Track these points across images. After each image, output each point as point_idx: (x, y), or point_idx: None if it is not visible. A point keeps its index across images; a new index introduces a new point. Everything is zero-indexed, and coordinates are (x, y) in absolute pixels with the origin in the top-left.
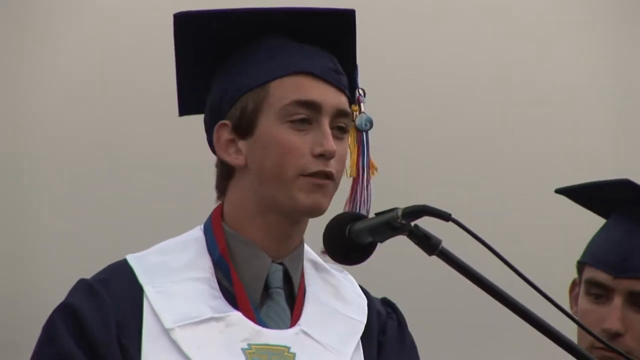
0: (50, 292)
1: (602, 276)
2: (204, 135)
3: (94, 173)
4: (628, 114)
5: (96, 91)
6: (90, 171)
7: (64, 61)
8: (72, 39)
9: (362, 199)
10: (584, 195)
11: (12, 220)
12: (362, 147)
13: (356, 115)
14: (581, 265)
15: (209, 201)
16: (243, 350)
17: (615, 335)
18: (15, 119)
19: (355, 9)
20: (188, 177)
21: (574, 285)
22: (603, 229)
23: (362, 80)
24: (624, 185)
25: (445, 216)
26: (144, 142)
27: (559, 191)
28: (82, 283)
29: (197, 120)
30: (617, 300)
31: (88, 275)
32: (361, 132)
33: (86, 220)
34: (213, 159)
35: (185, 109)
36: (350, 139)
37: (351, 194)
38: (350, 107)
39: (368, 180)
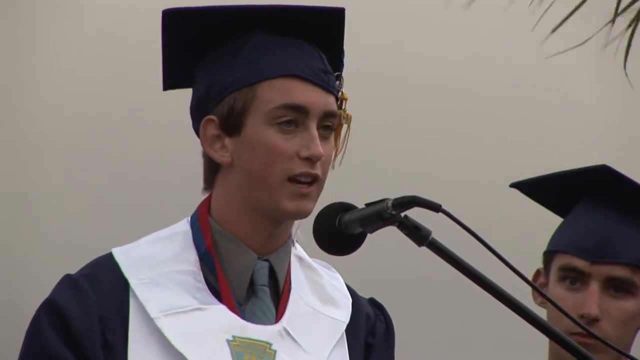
0: (49, 289)
1: (578, 262)
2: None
3: (92, 172)
4: (627, 115)
5: (94, 90)
6: (89, 170)
7: (63, 61)
8: (70, 39)
9: None
10: (547, 185)
11: (11, 218)
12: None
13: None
14: (551, 254)
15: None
16: (228, 341)
17: (593, 321)
18: (13, 119)
19: (343, 7)
20: (189, 178)
21: (538, 274)
22: (573, 216)
23: (352, 76)
24: (601, 171)
25: (435, 207)
26: (141, 141)
27: (514, 185)
28: (66, 279)
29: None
30: (594, 286)
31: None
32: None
33: (84, 217)
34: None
35: (169, 85)
36: (342, 131)
37: None
38: (337, 104)
39: None
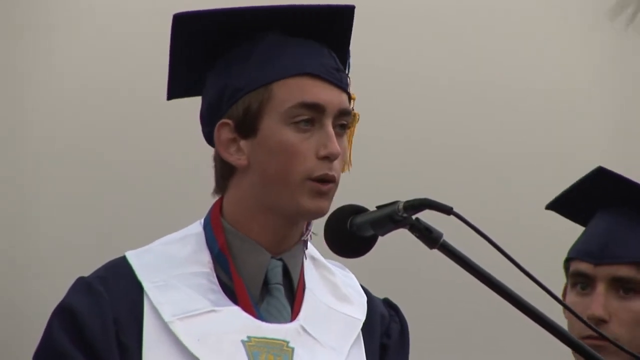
0: (49, 293)
1: (583, 266)
2: (200, 135)
3: (92, 176)
4: (627, 114)
5: (94, 95)
6: (89, 174)
7: (62, 62)
8: (70, 45)
9: None
10: (569, 203)
11: (11, 223)
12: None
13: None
14: (567, 264)
15: (209, 199)
16: (243, 342)
17: (600, 322)
18: (13, 120)
19: (353, 5)
20: (186, 180)
21: (566, 289)
22: (586, 227)
23: (360, 79)
24: (599, 175)
25: (446, 209)
26: (142, 143)
27: (550, 207)
28: (80, 281)
29: (192, 121)
30: (600, 287)
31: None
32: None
33: (84, 222)
34: (208, 157)
35: (174, 94)
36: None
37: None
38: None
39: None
